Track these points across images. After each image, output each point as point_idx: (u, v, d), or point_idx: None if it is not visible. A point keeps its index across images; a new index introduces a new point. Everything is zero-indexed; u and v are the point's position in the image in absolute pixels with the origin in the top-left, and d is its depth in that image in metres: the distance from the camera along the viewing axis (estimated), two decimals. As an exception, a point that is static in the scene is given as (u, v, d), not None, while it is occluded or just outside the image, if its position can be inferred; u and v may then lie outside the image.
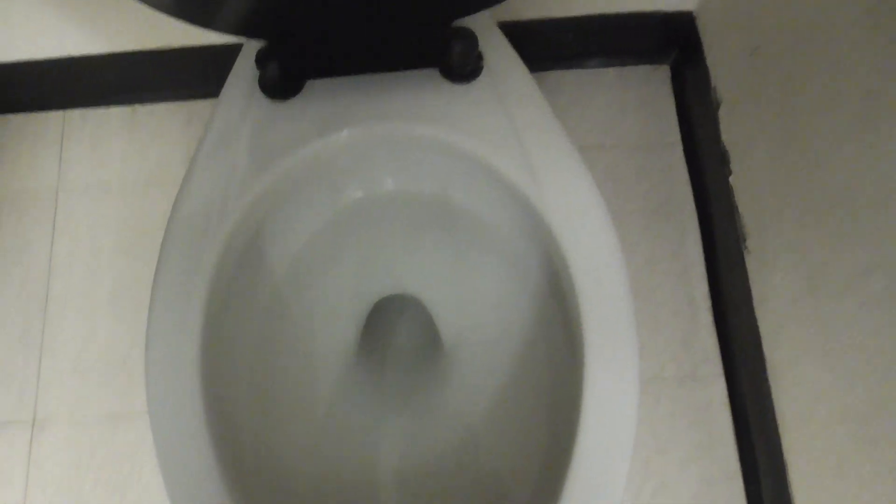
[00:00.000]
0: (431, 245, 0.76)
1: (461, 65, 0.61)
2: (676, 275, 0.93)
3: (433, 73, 0.62)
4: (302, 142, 0.61)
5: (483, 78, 0.62)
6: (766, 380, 0.81)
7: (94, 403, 0.90)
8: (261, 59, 0.60)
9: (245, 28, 0.59)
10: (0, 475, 0.87)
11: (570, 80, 1.01)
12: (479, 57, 0.62)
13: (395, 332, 0.84)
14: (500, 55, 0.63)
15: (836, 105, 0.62)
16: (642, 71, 1.01)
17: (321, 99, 0.62)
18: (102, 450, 0.88)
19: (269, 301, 0.69)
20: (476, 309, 0.74)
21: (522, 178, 0.59)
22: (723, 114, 0.88)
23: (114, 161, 0.99)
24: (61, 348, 0.92)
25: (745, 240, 0.84)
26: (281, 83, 0.62)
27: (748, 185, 0.82)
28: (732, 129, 0.86)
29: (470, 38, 0.60)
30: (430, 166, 0.68)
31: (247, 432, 0.61)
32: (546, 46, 0.96)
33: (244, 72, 0.64)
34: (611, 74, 1.01)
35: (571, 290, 0.57)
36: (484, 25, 0.63)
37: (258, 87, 0.62)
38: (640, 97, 1.00)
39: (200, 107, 1.00)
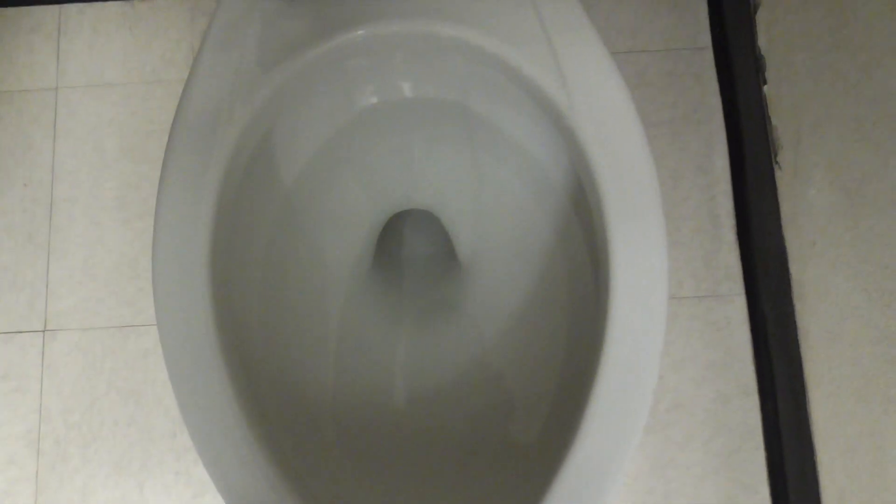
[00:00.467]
0: (449, 156, 0.72)
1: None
2: (701, 189, 0.89)
3: (456, -34, 0.57)
4: (313, 41, 0.57)
5: (509, -28, 0.57)
6: (790, 298, 0.79)
7: (105, 310, 0.89)
8: (269, -55, 0.56)
9: None
10: (16, 381, 0.88)
11: (597, -21, 0.94)
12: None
13: (411, 247, 0.81)
14: None
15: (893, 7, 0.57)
16: (675, -31, 0.94)
17: (335, -7, 0.57)
18: (115, 356, 0.88)
19: (280, 211, 0.67)
20: (494, 224, 0.72)
21: (551, 84, 0.55)
22: (761, 17, 0.83)
23: (114, 59, 0.94)
24: (69, 254, 0.90)
25: (776, 154, 0.80)
26: (291, -26, 0.57)
27: (785, 95, 0.78)
28: (771, 35, 0.80)
29: None
30: (450, 70, 0.64)
31: (258, 343, 0.60)
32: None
33: (251, -39, 0.59)
34: (641, -27, 0.95)
35: (598, 205, 0.54)
36: None
37: (266, -22, 0.58)
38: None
39: (203, 3, 0.95)
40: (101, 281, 0.90)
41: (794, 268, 0.78)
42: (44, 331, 0.88)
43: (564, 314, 0.65)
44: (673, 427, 0.85)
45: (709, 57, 0.92)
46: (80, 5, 0.95)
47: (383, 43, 0.59)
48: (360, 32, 0.57)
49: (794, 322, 0.79)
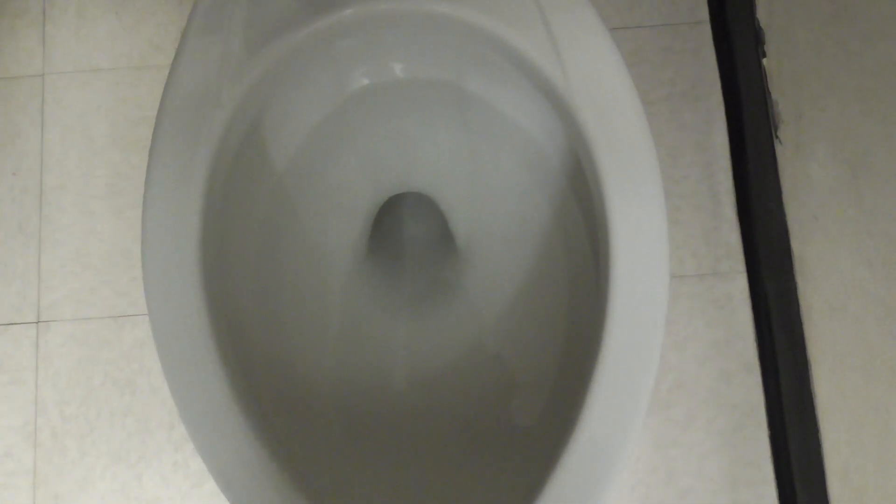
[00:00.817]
0: (443, 138, 0.71)
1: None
2: (701, 166, 0.88)
3: (446, -59, 0.55)
4: (302, 21, 0.56)
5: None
6: (791, 275, 0.78)
7: (99, 300, 0.88)
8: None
9: None
10: (10, 374, 0.87)
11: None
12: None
13: (406, 232, 0.80)
14: None
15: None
16: (671, -58, 0.92)
17: (322, -30, 0.56)
18: (110, 347, 0.87)
19: (272, 197, 0.66)
20: (490, 205, 0.71)
21: (546, 61, 0.53)
22: (760, -11, 0.81)
23: (101, 44, 0.92)
24: (61, 243, 0.89)
25: (777, 129, 0.79)
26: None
27: (785, 68, 0.76)
28: (771, 6, 0.79)
29: None
30: (443, 49, 0.63)
31: (254, 331, 0.60)
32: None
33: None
34: (636, -54, 0.93)
35: (596, 184, 0.53)
36: None
37: (253, -45, 0.56)
38: (667, -28, 0.92)
39: (191, -15, 0.93)
40: (93, 271, 0.88)
41: (796, 244, 0.77)
42: (37, 322, 0.87)
43: (564, 294, 0.64)
44: (675, 406, 0.84)
45: (707, 31, 0.91)
46: (64, -11, 0.93)
47: (375, 22, 0.57)
48: (350, 11, 0.56)
49: (796, 298, 0.78)
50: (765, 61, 0.80)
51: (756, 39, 0.82)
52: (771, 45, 0.79)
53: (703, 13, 0.91)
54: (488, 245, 0.70)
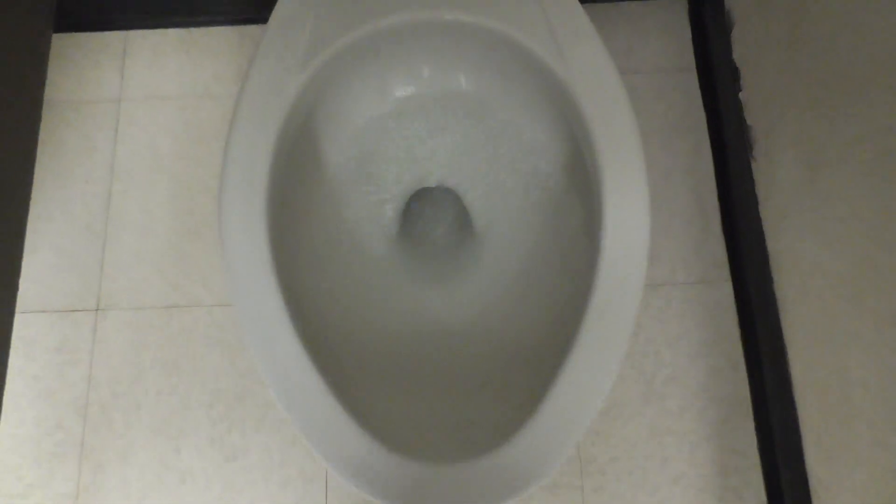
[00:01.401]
0: (465, 140, 0.82)
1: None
2: (690, 187, 1.00)
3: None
4: (350, 29, 0.68)
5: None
6: (769, 273, 0.87)
7: (153, 292, 0.98)
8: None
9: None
10: (69, 354, 0.96)
11: (595, 13, 1.07)
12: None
13: (432, 219, 0.91)
14: None
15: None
16: (661, 3, 1.08)
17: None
18: (160, 333, 0.97)
19: (322, 188, 0.77)
20: (505, 197, 0.82)
21: (551, 56, 0.66)
22: (735, 35, 0.95)
23: (172, 75, 1.07)
24: (122, 241, 1.00)
25: (751, 149, 0.91)
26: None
27: (756, 95, 0.89)
28: (744, 46, 0.93)
29: None
30: (466, 54, 0.75)
31: (309, 298, 0.69)
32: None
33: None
34: (633, 7, 1.08)
35: (595, 166, 0.64)
36: None
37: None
38: (658, 27, 1.07)
39: (251, 30, 1.09)
40: (149, 266, 1.00)
41: (771, 244, 0.87)
42: (97, 309, 0.98)
43: (568, 266, 0.74)
44: (669, 399, 0.92)
45: (693, 74, 1.05)
46: (144, 31, 1.09)
47: (414, 30, 0.70)
48: (392, 20, 0.68)
49: (774, 297, 0.87)
50: (741, 94, 0.93)
51: (734, 77, 0.95)
52: (745, 79, 0.92)
53: (690, 60, 1.05)
54: (503, 229, 0.80)
